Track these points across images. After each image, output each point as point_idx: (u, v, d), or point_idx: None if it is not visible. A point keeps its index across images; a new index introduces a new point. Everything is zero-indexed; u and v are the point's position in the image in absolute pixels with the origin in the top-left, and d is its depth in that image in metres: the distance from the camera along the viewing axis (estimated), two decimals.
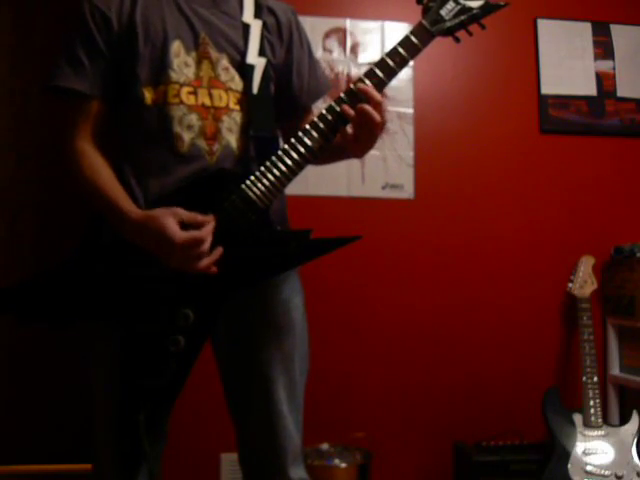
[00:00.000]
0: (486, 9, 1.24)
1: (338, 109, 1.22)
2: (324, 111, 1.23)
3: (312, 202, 2.50)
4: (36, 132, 2.89)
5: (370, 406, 2.51)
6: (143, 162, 1.27)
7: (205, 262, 1.16)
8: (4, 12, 2.91)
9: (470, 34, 1.27)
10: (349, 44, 2.63)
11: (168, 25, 1.28)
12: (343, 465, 2.21)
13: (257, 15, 1.36)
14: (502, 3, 1.25)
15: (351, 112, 1.19)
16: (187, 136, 1.25)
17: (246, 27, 1.33)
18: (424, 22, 1.24)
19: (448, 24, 1.24)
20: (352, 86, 1.22)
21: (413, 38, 1.23)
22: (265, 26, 1.36)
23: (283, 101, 1.40)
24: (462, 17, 1.24)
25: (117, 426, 1.24)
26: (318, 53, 2.57)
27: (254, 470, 1.35)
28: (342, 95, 1.22)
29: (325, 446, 2.32)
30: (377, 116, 1.19)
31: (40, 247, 2.82)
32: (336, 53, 2.62)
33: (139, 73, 1.26)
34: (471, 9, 1.24)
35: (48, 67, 1.28)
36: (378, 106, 1.20)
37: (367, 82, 1.22)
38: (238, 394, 1.35)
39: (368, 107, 1.18)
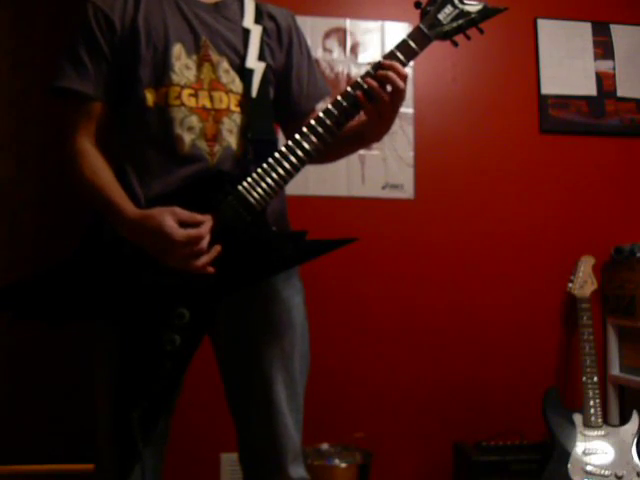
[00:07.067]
0: (484, 14, 1.23)
1: (335, 112, 1.22)
2: (321, 114, 1.23)
3: (312, 202, 2.50)
4: (36, 132, 2.89)
5: (370, 406, 2.51)
6: (144, 163, 1.28)
7: (203, 260, 1.17)
8: (4, 12, 2.91)
9: (468, 38, 1.26)
10: (349, 44, 2.62)
11: (170, 28, 1.29)
12: (343, 465, 2.21)
13: (257, 21, 1.37)
14: (501, 7, 1.24)
15: (374, 83, 1.19)
16: (188, 137, 1.26)
17: (246, 32, 1.34)
18: (422, 26, 1.23)
19: (446, 28, 1.23)
20: (359, 79, 1.21)
21: (410, 42, 1.22)
22: (265, 31, 1.37)
23: (282, 105, 1.42)
24: (460, 21, 1.23)
25: (115, 425, 1.24)
26: (318, 53, 2.57)
27: (254, 469, 1.36)
28: (349, 88, 1.21)
29: (325, 446, 2.32)
30: (400, 82, 1.19)
31: (40, 247, 2.82)
32: (336, 53, 2.62)
33: (141, 75, 1.26)
34: (469, 13, 1.23)
35: (51, 68, 1.29)
36: (402, 77, 1.20)
37: (364, 85, 1.21)
38: (239, 393, 1.36)
39: (391, 73, 1.18)
